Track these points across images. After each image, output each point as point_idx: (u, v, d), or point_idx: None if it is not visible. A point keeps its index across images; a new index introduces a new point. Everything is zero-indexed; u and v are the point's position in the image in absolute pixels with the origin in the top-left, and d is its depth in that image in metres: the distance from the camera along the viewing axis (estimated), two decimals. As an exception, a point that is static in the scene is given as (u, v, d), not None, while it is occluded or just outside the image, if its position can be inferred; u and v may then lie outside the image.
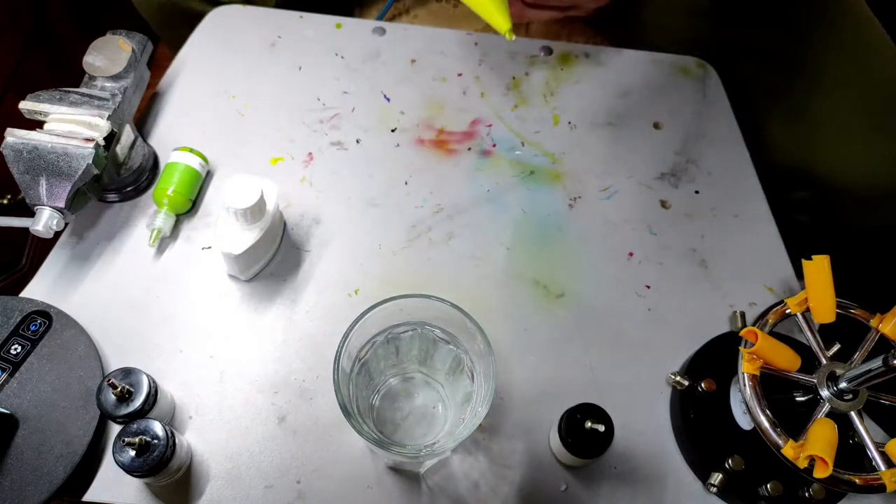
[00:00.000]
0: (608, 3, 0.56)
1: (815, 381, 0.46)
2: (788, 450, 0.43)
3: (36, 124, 0.51)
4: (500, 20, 0.48)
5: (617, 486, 0.49)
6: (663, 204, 0.64)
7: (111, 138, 0.52)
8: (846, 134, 0.66)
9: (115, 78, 0.54)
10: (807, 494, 0.47)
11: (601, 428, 0.44)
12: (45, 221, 0.49)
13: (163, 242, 0.57)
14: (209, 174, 0.61)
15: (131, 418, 0.44)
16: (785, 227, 0.62)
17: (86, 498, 0.46)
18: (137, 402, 0.44)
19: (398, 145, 0.65)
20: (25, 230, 0.49)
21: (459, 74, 0.70)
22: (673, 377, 0.52)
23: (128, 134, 0.56)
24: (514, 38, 0.49)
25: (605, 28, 0.72)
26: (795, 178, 0.67)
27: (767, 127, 0.68)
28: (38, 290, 0.53)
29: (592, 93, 0.70)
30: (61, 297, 0.53)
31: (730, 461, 0.48)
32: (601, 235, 0.61)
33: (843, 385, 0.44)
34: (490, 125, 0.67)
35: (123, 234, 0.57)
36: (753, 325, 0.48)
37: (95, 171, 0.50)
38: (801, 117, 0.68)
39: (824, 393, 0.45)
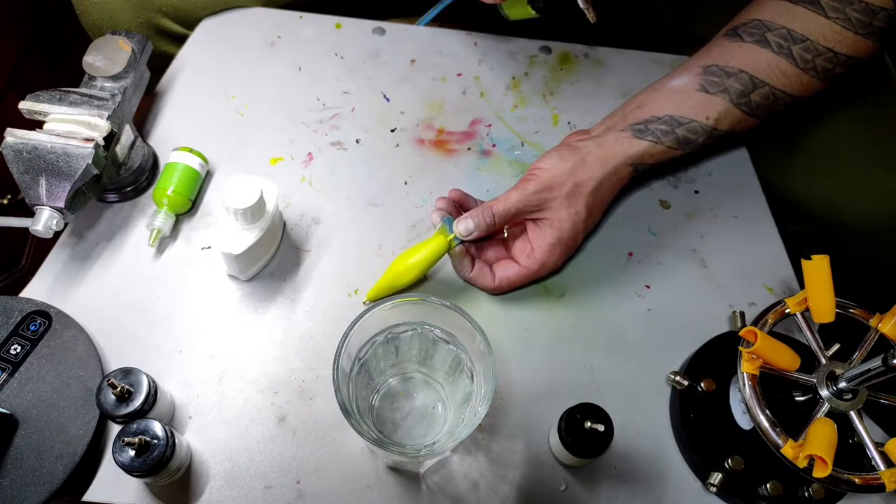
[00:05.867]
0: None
1: (814, 380, 0.46)
2: (788, 449, 0.43)
3: (36, 124, 0.51)
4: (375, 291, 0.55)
5: (617, 485, 0.49)
6: (663, 204, 0.64)
7: (111, 138, 0.52)
8: (845, 167, 0.66)
9: (115, 78, 0.54)
10: (806, 494, 0.47)
11: (601, 428, 0.44)
12: (44, 221, 0.49)
13: (163, 242, 0.57)
14: (209, 174, 0.61)
15: (131, 418, 0.44)
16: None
17: (86, 498, 0.46)
18: (137, 402, 0.44)
19: (398, 145, 0.65)
20: (25, 230, 0.49)
21: (459, 74, 0.70)
22: (672, 377, 0.52)
23: (127, 134, 0.56)
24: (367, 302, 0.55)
25: (606, 29, 0.72)
26: (793, 212, 0.67)
27: (764, 159, 0.68)
28: (37, 290, 0.53)
29: (592, 93, 0.70)
30: (61, 297, 0.53)
31: (729, 461, 0.48)
32: (601, 235, 0.61)
33: (842, 385, 0.44)
34: (490, 125, 0.67)
35: (123, 234, 0.57)
36: (753, 324, 0.48)
37: (95, 171, 0.50)
38: (799, 150, 0.68)
39: (824, 392, 0.45)
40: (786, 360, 0.46)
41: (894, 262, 0.68)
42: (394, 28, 0.72)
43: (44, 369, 0.48)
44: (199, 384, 0.51)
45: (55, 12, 0.87)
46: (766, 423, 0.44)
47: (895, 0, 0.54)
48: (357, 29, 0.72)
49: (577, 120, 0.68)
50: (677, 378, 0.51)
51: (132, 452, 0.42)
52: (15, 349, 0.48)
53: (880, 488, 0.43)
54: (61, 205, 0.49)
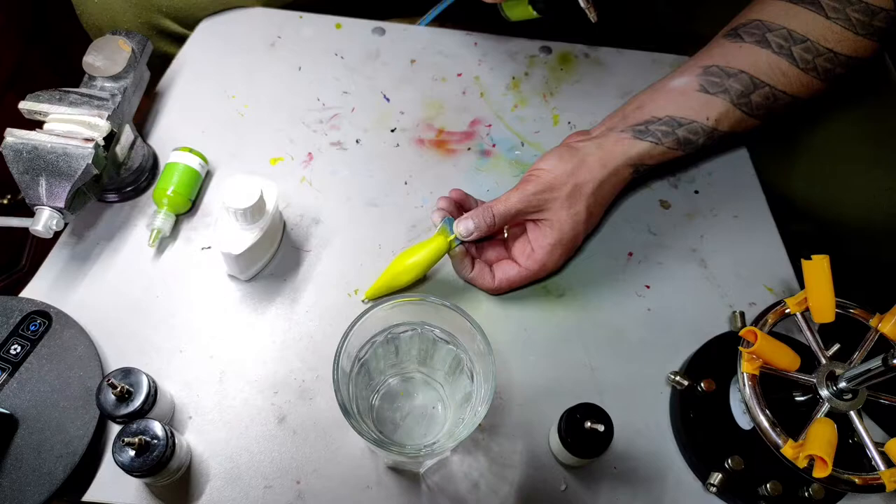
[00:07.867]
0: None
1: (814, 380, 0.46)
2: (788, 449, 0.43)
3: (36, 124, 0.51)
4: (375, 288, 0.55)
5: (617, 485, 0.49)
6: (663, 204, 0.64)
7: (111, 138, 0.52)
8: (845, 167, 0.66)
9: (115, 78, 0.54)
10: (806, 494, 0.47)
11: (601, 428, 0.44)
12: (44, 221, 0.49)
13: (163, 242, 0.57)
14: (209, 174, 0.61)
15: (131, 418, 0.44)
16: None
17: (86, 498, 0.46)
18: (137, 402, 0.44)
19: (398, 145, 0.65)
20: (25, 230, 0.49)
21: (459, 74, 0.70)
22: (672, 377, 0.52)
23: (127, 134, 0.56)
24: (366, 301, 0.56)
25: (606, 29, 0.72)
26: (793, 212, 0.67)
27: (764, 159, 0.67)
28: (37, 290, 0.53)
29: (592, 93, 0.70)
30: (61, 297, 0.53)
31: (729, 461, 0.48)
32: (601, 235, 0.61)
33: (842, 385, 0.44)
34: (490, 125, 0.67)
35: (123, 234, 0.57)
36: (753, 324, 0.48)
37: (95, 171, 0.51)
38: (799, 150, 0.68)
39: (824, 393, 0.45)
40: (786, 360, 0.46)
41: (894, 262, 0.68)
42: (394, 28, 0.72)
43: (44, 369, 0.48)
44: (199, 384, 0.51)
45: (55, 12, 0.87)
46: (766, 423, 0.44)
47: (895, 0, 0.54)
48: (357, 29, 0.72)
49: (577, 120, 0.68)
50: (677, 378, 0.51)
51: (132, 452, 0.42)
52: (15, 349, 0.48)
53: (880, 488, 0.43)
54: (61, 205, 0.49)
